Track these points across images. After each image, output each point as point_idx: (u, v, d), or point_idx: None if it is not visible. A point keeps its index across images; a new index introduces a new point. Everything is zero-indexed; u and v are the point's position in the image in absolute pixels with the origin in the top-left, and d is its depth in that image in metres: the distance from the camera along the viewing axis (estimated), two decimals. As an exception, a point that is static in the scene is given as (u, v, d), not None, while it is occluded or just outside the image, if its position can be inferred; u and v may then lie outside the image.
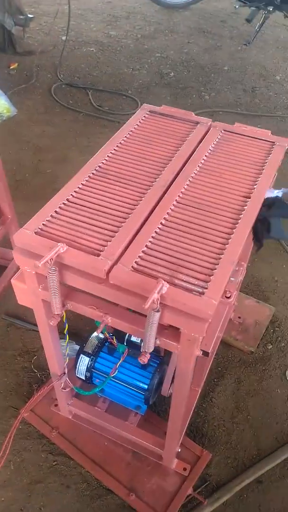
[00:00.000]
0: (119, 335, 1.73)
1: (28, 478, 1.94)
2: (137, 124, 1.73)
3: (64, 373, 1.76)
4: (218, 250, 1.26)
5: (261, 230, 1.49)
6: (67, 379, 1.77)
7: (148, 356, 1.25)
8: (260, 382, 2.30)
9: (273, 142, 1.68)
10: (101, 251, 1.21)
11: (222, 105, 4.40)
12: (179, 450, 1.92)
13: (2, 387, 2.21)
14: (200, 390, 2.10)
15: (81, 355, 1.85)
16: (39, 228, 1.27)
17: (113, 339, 1.67)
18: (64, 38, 4.99)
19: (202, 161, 1.57)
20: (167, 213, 1.35)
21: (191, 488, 1.90)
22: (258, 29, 5.35)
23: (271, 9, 5.06)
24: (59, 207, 1.34)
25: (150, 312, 1.12)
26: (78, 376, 1.87)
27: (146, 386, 1.78)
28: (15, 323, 2.46)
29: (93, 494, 1.90)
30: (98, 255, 1.20)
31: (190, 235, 1.30)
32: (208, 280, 1.16)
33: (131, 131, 1.69)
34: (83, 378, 1.86)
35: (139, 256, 1.21)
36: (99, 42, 5.25)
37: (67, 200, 1.37)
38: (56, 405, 2.09)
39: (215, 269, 1.19)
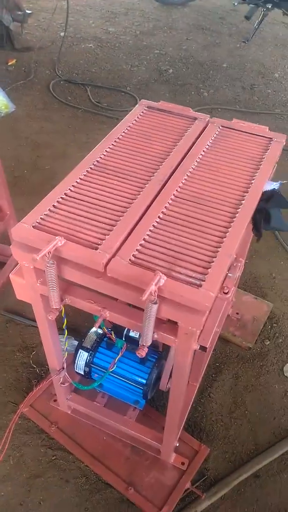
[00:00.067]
0: (117, 330, 1.74)
1: (27, 473, 1.95)
2: (135, 120, 1.73)
3: (63, 368, 1.77)
4: (215, 243, 1.26)
5: (260, 220, 1.50)
6: (66, 374, 1.78)
7: (146, 349, 1.26)
8: (258, 378, 2.31)
9: (271, 138, 1.69)
10: (99, 244, 1.22)
11: (220, 102, 4.41)
12: (177, 444, 1.93)
13: (2, 382, 2.22)
14: (198, 385, 2.11)
15: (80, 350, 1.85)
16: (37, 222, 1.28)
17: (111, 334, 1.67)
18: (62, 34, 4.99)
19: (200, 156, 1.57)
20: (165, 207, 1.36)
21: (189, 482, 1.91)
22: (257, 27, 5.36)
23: (270, 7, 5.06)
24: (57, 201, 1.35)
25: (148, 304, 1.12)
26: (77, 371, 1.88)
27: (144, 381, 1.79)
28: (14, 319, 2.46)
29: (92, 488, 1.92)
30: (96, 249, 1.20)
31: (188, 228, 1.30)
32: (205, 272, 1.17)
33: (129, 126, 1.70)
34: (82, 373, 1.87)
35: (137, 249, 1.22)
36: (97, 38, 5.24)
37: (65, 194, 1.38)
38: (55, 400, 2.10)
39: (213, 262, 1.20)
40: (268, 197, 1.48)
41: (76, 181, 1.42)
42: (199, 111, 1.95)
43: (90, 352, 1.84)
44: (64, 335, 1.57)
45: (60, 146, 3.70)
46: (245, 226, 1.35)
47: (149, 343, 1.26)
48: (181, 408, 1.65)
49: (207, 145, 1.63)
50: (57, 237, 1.20)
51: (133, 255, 1.20)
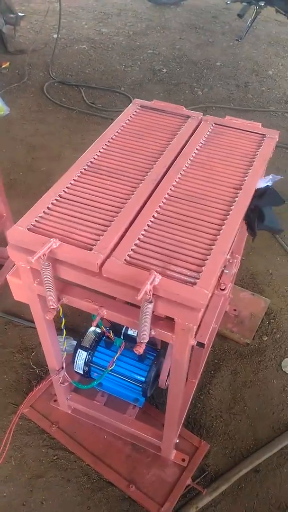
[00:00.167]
0: (115, 329, 1.75)
1: (29, 473, 1.96)
2: (128, 119, 1.74)
3: (62, 367, 1.78)
4: (209, 241, 1.28)
5: (253, 219, 1.51)
6: (65, 373, 1.79)
7: (143, 346, 1.27)
8: (256, 373, 2.32)
9: (264, 135, 1.70)
10: (93, 245, 1.23)
11: (215, 100, 4.42)
12: (178, 441, 1.95)
13: (2, 384, 2.23)
14: (197, 382, 2.13)
15: (79, 350, 1.86)
16: (31, 224, 1.29)
17: (110, 333, 1.68)
18: (55, 36, 5.00)
19: (194, 155, 1.59)
20: (159, 206, 1.37)
21: (190, 479, 1.93)
22: (250, 25, 5.37)
23: (262, 4, 5.07)
24: (52, 203, 1.36)
25: (144, 303, 1.13)
26: (76, 370, 1.89)
27: (143, 379, 1.80)
28: (13, 320, 2.48)
29: (94, 487, 1.93)
30: (91, 249, 1.21)
31: (182, 227, 1.31)
32: (200, 270, 1.18)
33: (122, 126, 1.71)
34: (81, 372, 1.88)
35: (131, 249, 1.23)
36: (90, 40, 5.25)
37: (59, 196, 1.39)
38: (55, 401, 2.11)
39: (207, 259, 1.21)
40: (261, 194, 1.49)
41: (70, 183, 1.44)
42: (193, 110, 1.97)
43: (89, 351, 1.85)
44: (63, 335, 1.58)
45: (55, 148, 3.71)
46: (239, 223, 1.36)
47: (146, 340, 1.27)
48: (180, 405, 1.66)
49: (201, 143, 1.64)
50: (51, 239, 1.21)
51: (128, 255, 1.22)
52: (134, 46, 5.21)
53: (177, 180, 1.47)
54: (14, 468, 1.97)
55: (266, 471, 2.00)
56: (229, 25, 5.75)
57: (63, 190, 1.40)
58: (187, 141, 1.64)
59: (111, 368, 1.69)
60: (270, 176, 1.56)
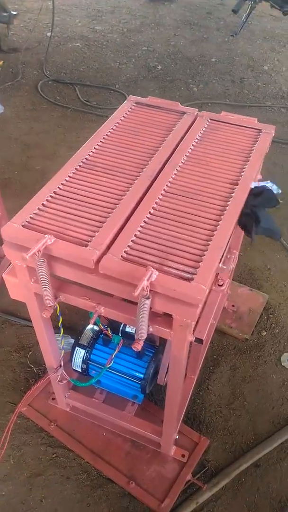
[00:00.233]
0: (113, 326, 1.75)
1: (28, 472, 1.96)
2: (123, 116, 1.74)
3: (60, 365, 1.77)
4: (206, 236, 1.27)
5: (250, 223, 1.50)
6: (63, 371, 1.79)
7: (141, 343, 1.27)
8: (256, 369, 2.32)
9: (260, 130, 1.70)
10: (89, 241, 1.22)
11: (210, 96, 4.41)
12: (177, 437, 1.95)
13: (-1, 383, 2.23)
14: (196, 378, 2.12)
15: (77, 348, 1.86)
16: (26, 221, 1.28)
17: (108, 331, 1.68)
18: (49, 34, 4.98)
19: (190, 150, 1.58)
20: (156, 202, 1.37)
21: (190, 474, 1.93)
22: (245, 20, 5.36)
23: (257, 0, 5.06)
24: (46, 200, 1.35)
25: (141, 299, 1.13)
26: (74, 368, 1.89)
27: (142, 376, 1.80)
28: (10, 319, 2.47)
29: (94, 484, 1.93)
30: (86, 246, 1.21)
31: (179, 223, 1.31)
32: (197, 266, 1.18)
33: (117, 122, 1.70)
34: (80, 370, 1.88)
35: (128, 246, 1.23)
36: (84, 37, 5.23)
37: (54, 192, 1.38)
38: (53, 399, 2.10)
39: (204, 255, 1.21)
40: (257, 193, 1.49)
41: (65, 179, 1.43)
42: (189, 106, 1.96)
43: (87, 349, 1.85)
44: (60, 333, 1.58)
45: (50, 146, 3.70)
46: (235, 219, 1.36)
47: (144, 337, 1.27)
48: (179, 401, 1.66)
49: (196, 138, 1.64)
50: (46, 235, 1.20)
51: (124, 251, 1.21)
52: (129, 43, 5.19)
53: (173, 176, 1.47)
54: (13, 466, 1.97)
55: (266, 466, 2.00)
56: (223, 21, 5.74)
57: (58, 187, 1.40)
58: (182, 137, 1.64)
59: (110, 365, 1.68)
60: (275, 187, 1.56)
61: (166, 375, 1.80)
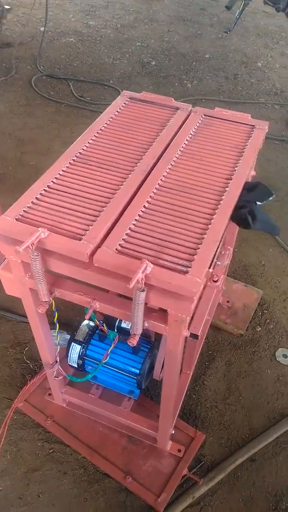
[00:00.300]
0: (109, 322, 1.75)
1: (25, 467, 1.96)
2: (117, 111, 1.73)
3: (56, 361, 1.77)
4: (201, 230, 1.27)
5: (245, 217, 1.50)
6: (59, 367, 1.79)
7: (137, 338, 1.27)
8: (251, 364, 2.33)
9: (253, 126, 1.70)
10: (82, 235, 1.22)
11: (204, 93, 4.41)
12: (173, 432, 1.95)
13: (-5, 379, 2.22)
14: (191, 373, 2.13)
15: (73, 343, 1.86)
16: (20, 214, 1.28)
17: (103, 326, 1.68)
18: (42, 29, 4.95)
19: (183, 146, 1.58)
20: (150, 196, 1.37)
21: (186, 469, 1.94)
22: (238, 16, 5.33)
23: (250, -5, 5.05)
24: (40, 194, 1.35)
25: (136, 292, 1.13)
26: (70, 364, 1.89)
27: (137, 371, 1.80)
28: (6, 315, 2.46)
29: (90, 479, 1.93)
30: (80, 239, 1.21)
31: (173, 216, 1.31)
32: (191, 259, 1.18)
33: (111, 117, 1.70)
34: (76, 366, 1.88)
35: (123, 239, 1.23)
36: (78, 32, 5.21)
37: (48, 186, 1.38)
38: (50, 394, 2.10)
39: (199, 248, 1.21)
40: (251, 187, 1.49)
41: (59, 173, 1.43)
42: (183, 102, 1.96)
43: (83, 344, 1.85)
44: (56, 329, 1.58)
45: (44, 142, 3.69)
46: (230, 212, 1.36)
47: (139, 332, 1.27)
48: (175, 396, 1.66)
49: (190, 134, 1.64)
50: (40, 229, 1.20)
51: (119, 245, 1.21)
52: (122, 39, 5.17)
53: (167, 170, 1.47)
54: (10, 462, 1.97)
55: (262, 460, 2.02)
56: (217, 17, 5.73)
57: (52, 181, 1.40)
58: (176, 133, 1.64)
59: (105, 361, 1.69)
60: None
61: (161, 370, 1.80)
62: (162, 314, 1.28)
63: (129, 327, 1.71)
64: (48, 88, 4.31)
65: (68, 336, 1.93)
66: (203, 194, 1.39)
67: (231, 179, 1.45)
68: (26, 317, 1.60)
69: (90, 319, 1.44)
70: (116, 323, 1.78)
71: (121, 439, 2.02)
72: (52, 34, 5.13)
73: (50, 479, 1.93)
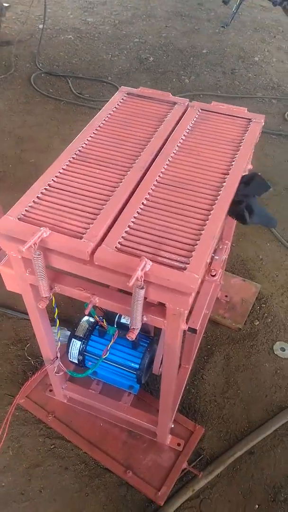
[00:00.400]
0: (108, 318, 1.76)
1: (27, 463, 1.98)
2: (115, 107, 1.74)
3: (57, 357, 1.79)
4: (198, 226, 1.29)
5: (242, 212, 1.51)
6: (60, 363, 1.80)
7: (136, 332, 1.29)
8: (249, 358, 2.35)
9: (250, 119, 1.71)
10: (83, 233, 1.24)
11: (202, 88, 4.41)
12: (173, 426, 1.97)
13: (-3, 375, 2.24)
14: (190, 368, 2.15)
15: (73, 339, 1.88)
16: (22, 214, 1.29)
17: (103, 322, 1.70)
18: (41, 26, 4.94)
19: (181, 141, 1.59)
20: (148, 193, 1.38)
21: (185, 463, 1.96)
22: (235, 11, 5.32)
23: (247, -10, 5.04)
24: (41, 193, 1.36)
25: (135, 289, 1.15)
26: (71, 360, 1.91)
27: (137, 366, 1.82)
28: (7, 313, 2.48)
29: (91, 474, 1.95)
30: (81, 238, 1.22)
31: (172, 213, 1.33)
32: (189, 255, 1.20)
33: (109, 114, 1.71)
34: (76, 361, 1.90)
35: (122, 237, 1.24)
36: (76, 29, 5.20)
37: (49, 185, 1.39)
38: (51, 390, 2.12)
39: (196, 244, 1.23)
40: (248, 180, 1.50)
41: (59, 172, 1.44)
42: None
43: (83, 340, 1.86)
44: (56, 325, 1.59)
45: (44, 139, 3.70)
46: (227, 208, 1.37)
47: (138, 326, 1.28)
48: (174, 390, 1.68)
49: (188, 129, 1.65)
50: (41, 228, 1.22)
51: (118, 243, 1.23)
52: (120, 35, 5.17)
53: (165, 167, 1.48)
54: (11, 458, 1.99)
55: (260, 453, 2.04)
56: (214, 12, 5.72)
57: (52, 180, 1.41)
58: (174, 128, 1.65)
59: (105, 356, 1.70)
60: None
61: (160, 365, 1.82)
62: (160, 308, 1.29)
63: (128, 323, 1.72)
64: (47, 86, 4.32)
65: (68, 333, 1.95)
66: (201, 189, 1.41)
67: (228, 174, 1.47)
68: (27, 314, 1.62)
69: (90, 315, 1.46)
70: (116, 319, 1.80)
71: (121, 434, 2.04)
72: (51, 31, 5.13)
73: (51, 474, 1.95)
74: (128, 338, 1.28)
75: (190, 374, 2.19)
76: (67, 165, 1.47)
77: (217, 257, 1.79)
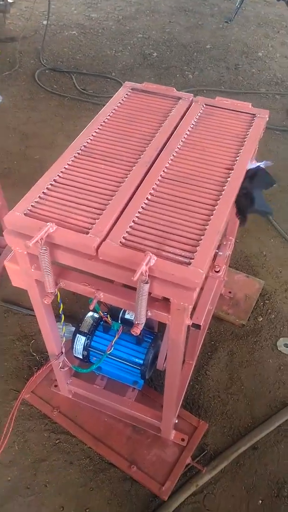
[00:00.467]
0: (113, 313, 1.77)
1: (32, 457, 1.99)
2: (119, 102, 1.75)
3: (62, 352, 1.80)
4: (203, 221, 1.29)
5: (244, 204, 1.52)
6: (65, 358, 1.81)
7: (140, 327, 1.29)
8: (252, 354, 2.36)
9: (254, 114, 1.71)
10: (89, 228, 1.24)
11: (205, 83, 4.40)
12: (177, 421, 1.98)
13: (3, 371, 2.25)
14: (194, 364, 2.15)
15: (78, 335, 1.89)
16: (28, 209, 1.30)
17: (107, 318, 1.70)
18: (45, 22, 4.93)
19: (185, 136, 1.59)
20: (153, 188, 1.38)
21: (189, 458, 1.96)
22: (239, 6, 5.32)
23: (251, -15, 5.02)
24: (47, 188, 1.37)
25: (140, 284, 1.15)
26: (75, 355, 1.91)
27: (141, 361, 1.82)
28: (12, 309, 2.49)
29: (96, 468, 1.96)
30: (87, 233, 1.23)
31: (176, 208, 1.33)
32: (194, 250, 1.20)
33: (114, 109, 1.71)
34: (81, 357, 1.91)
35: (127, 232, 1.24)
36: (80, 25, 5.19)
37: (54, 180, 1.40)
38: (56, 386, 2.13)
39: (201, 239, 1.23)
40: (252, 175, 1.50)
41: (65, 167, 1.44)
42: (184, 93, 1.97)
43: (88, 336, 1.87)
44: (61, 320, 1.60)
45: (48, 136, 3.70)
46: (231, 203, 1.37)
47: (143, 321, 1.29)
48: (178, 385, 1.69)
49: (192, 124, 1.65)
50: (48, 223, 1.22)
51: (123, 237, 1.23)
52: (124, 31, 5.16)
53: (169, 162, 1.48)
54: (17, 452, 2.00)
55: (264, 448, 2.04)
56: (218, 7, 5.69)
57: (58, 175, 1.41)
58: (178, 123, 1.65)
59: (110, 351, 1.71)
60: (263, 161, 1.57)
61: (165, 360, 1.82)
62: (164, 303, 1.30)
63: (133, 318, 1.73)
64: (51, 82, 4.32)
65: (73, 329, 1.96)
66: (205, 184, 1.41)
67: (233, 169, 1.47)
68: (32, 310, 1.63)
69: (94, 310, 1.46)
70: (120, 315, 1.80)
71: (126, 429, 2.05)
72: (55, 27, 5.12)
73: (57, 469, 1.96)
74: (132, 333, 1.29)
75: (194, 370, 2.20)
76: (72, 160, 1.48)
77: (221, 253, 1.80)
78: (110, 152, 1.51)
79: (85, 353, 1.89)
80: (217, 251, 1.76)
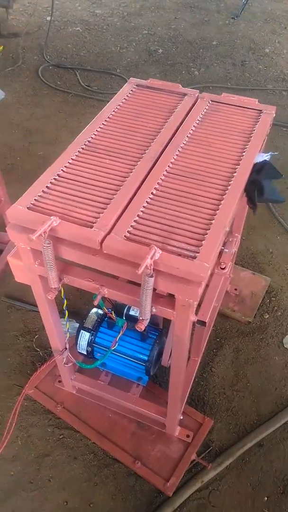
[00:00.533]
0: (118, 310, 1.76)
1: (36, 452, 1.99)
2: (124, 98, 1.73)
3: (66, 348, 1.79)
4: (209, 216, 1.28)
5: (253, 192, 1.51)
6: (69, 354, 1.81)
7: (145, 323, 1.28)
8: (258, 351, 2.34)
9: (260, 110, 1.69)
10: (94, 222, 1.23)
11: (212, 80, 4.38)
12: (182, 418, 1.97)
13: (6, 366, 2.25)
14: (199, 360, 2.15)
15: (82, 331, 1.88)
16: (31, 203, 1.29)
17: (112, 314, 1.70)
18: (49, 18, 4.93)
19: (191, 132, 1.58)
20: (158, 183, 1.37)
21: (194, 454, 1.96)
22: (245, 2, 5.29)
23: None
24: (50, 182, 1.36)
25: (144, 278, 1.14)
26: (79, 351, 1.91)
27: (146, 357, 1.82)
28: (15, 304, 2.49)
29: (100, 464, 1.96)
30: (91, 227, 1.22)
31: (181, 203, 1.32)
32: (199, 244, 1.19)
33: (119, 105, 1.70)
34: (85, 353, 1.90)
35: (131, 226, 1.24)
36: (84, 21, 5.18)
37: (58, 175, 1.39)
38: (60, 381, 2.13)
39: (206, 234, 1.22)
40: (259, 168, 1.49)
41: (68, 162, 1.44)
42: (189, 88, 1.96)
43: (92, 332, 1.87)
44: (65, 316, 1.59)
45: (51, 132, 3.69)
46: (238, 198, 1.36)
47: (148, 317, 1.28)
48: (183, 382, 1.68)
49: (198, 120, 1.64)
50: (52, 217, 1.21)
51: (128, 231, 1.22)
52: (129, 27, 5.14)
53: (175, 157, 1.47)
54: (21, 447, 2.00)
55: (269, 445, 2.03)
56: (224, 3, 5.66)
57: (61, 170, 1.40)
58: (184, 119, 1.64)
59: (114, 347, 1.70)
60: (269, 152, 1.56)
61: (170, 357, 1.82)
62: (169, 299, 1.29)
63: (137, 315, 1.72)
64: (55, 78, 4.31)
65: (77, 325, 1.96)
66: (211, 180, 1.40)
67: (239, 165, 1.45)
68: (36, 306, 1.62)
69: (98, 306, 1.45)
70: (125, 311, 1.79)
71: (130, 424, 2.05)
72: (59, 23, 5.11)
73: (60, 464, 1.96)
74: (137, 329, 1.28)
75: (199, 367, 2.19)
76: (76, 155, 1.47)
77: (227, 250, 1.78)
78: (114, 147, 1.50)
79: (89, 349, 1.88)
80: (223, 248, 1.75)
